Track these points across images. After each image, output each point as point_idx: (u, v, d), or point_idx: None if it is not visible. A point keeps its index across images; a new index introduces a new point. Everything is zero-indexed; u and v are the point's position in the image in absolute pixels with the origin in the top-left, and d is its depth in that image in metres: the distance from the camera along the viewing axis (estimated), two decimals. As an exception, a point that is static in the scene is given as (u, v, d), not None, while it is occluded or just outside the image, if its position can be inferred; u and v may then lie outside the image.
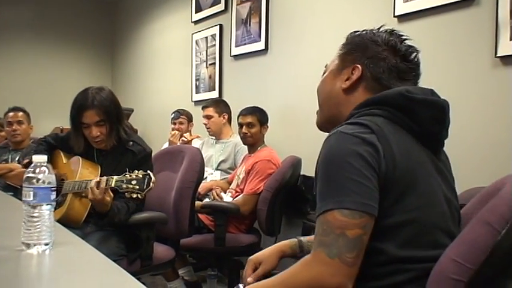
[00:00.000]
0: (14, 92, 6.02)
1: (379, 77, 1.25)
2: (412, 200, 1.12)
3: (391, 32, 1.30)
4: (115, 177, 2.08)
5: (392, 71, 1.25)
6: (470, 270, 0.98)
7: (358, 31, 1.34)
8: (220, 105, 3.89)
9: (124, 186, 2.05)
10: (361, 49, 1.29)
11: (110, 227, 2.29)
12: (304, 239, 1.51)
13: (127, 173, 2.08)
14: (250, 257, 1.47)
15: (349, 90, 1.28)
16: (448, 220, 1.19)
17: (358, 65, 1.27)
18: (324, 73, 1.38)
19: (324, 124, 1.36)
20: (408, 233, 1.11)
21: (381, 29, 1.32)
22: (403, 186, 1.11)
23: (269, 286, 1.14)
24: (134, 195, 2.06)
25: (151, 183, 2.04)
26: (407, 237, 1.11)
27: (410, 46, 1.29)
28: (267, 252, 1.47)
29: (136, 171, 2.07)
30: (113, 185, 2.07)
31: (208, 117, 3.84)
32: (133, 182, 2.05)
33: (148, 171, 2.07)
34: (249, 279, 1.39)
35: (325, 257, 1.04)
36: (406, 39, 1.30)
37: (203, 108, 3.93)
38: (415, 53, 1.29)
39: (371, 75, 1.26)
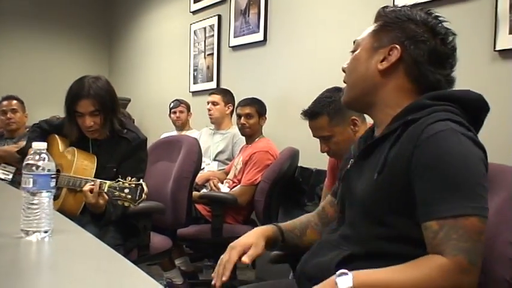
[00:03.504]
0: (10, 80, 5.98)
1: (419, 60, 1.18)
2: None
3: (428, 12, 1.23)
4: (108, 182, 2.04)
5: (432, 54, 1.18)
6: None
7: (390, 6, 1.27)
8: (227, 95, 3.88)
9: (116, 193, 2.00)
10: (399, 27, 1.20)
11: (107, 225, 2.27)
12: (283, 227, 1.43)
13: (120, 179, 2.03)
14: (234, 244, 1.33)
15: (386, 72, 1.21)
16: None
17: (397, 45, 1.19)
18: (354, 50, 1.29)
19: (353, 102, 1.31)
20: None
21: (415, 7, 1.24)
22: None
23: (397, 285, 1.05)
24: (126, 204, 2.01)
25: (143, 195, 1.99)
26: None
27: (448, 29, 1.22)
28: (254, 236, 1.35)
29: (130, 178, 2.02)
30: (105, 190, 2.03)
31: (214, 103, 3.82)
32: (126, 191, 1.99)
33: (142, 182, 2.00)
34: (245, 259, 1.29)
35: (468, 263, 1.01)
36: (443, 21, 1.23)
37: (211, 94, 3.92)
38: (452, 37, 1.22)
39: (411, 58, 1.19)
